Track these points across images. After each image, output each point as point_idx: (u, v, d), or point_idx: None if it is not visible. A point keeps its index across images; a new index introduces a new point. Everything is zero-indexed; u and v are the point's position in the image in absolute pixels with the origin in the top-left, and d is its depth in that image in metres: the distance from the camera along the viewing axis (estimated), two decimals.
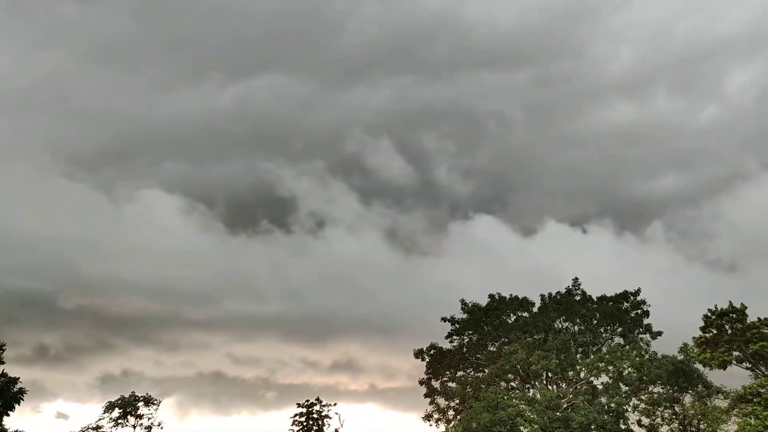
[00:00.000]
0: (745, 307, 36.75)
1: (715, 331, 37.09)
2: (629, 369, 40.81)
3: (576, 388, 42.49)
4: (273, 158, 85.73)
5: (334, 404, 45.83)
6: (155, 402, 41.56)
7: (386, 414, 66.77)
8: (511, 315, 46.28)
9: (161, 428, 41.45)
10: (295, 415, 44.97)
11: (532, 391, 42.77)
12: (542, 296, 45.88)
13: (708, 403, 40.04)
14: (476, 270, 64.44)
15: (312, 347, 72.84)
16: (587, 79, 75.24)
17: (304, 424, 44.97)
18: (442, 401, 45.83)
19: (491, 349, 45.91)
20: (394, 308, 64.37)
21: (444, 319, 47.42)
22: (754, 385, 36.97)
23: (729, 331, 36.79)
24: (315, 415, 44.69)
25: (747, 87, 63.34)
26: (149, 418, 41.15)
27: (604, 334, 43.77)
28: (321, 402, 45.52)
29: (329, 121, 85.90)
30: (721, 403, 39.84)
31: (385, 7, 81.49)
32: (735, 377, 39.14)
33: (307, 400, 45.17)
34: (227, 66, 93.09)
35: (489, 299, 47.13)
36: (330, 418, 45.00)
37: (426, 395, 46.57)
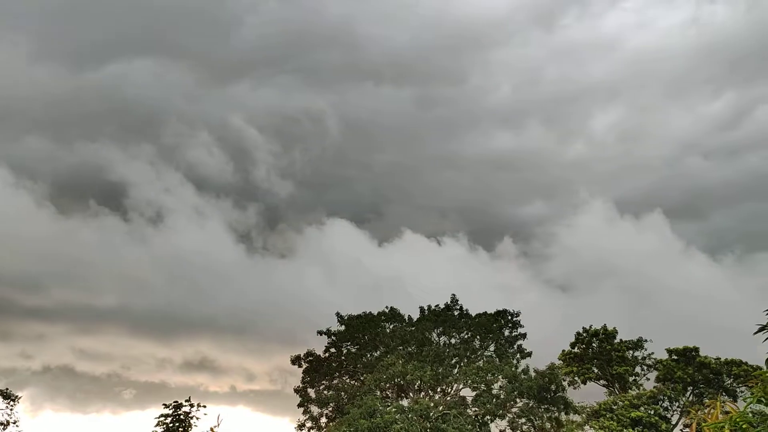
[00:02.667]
0: (616, 331, 40.45)
1: (584, 347, 40.38)
2: (499, 383, 42.96)
3: (448, 399, 43.91)
4: (112, 142, 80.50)
5: (204, 406, 43.62)
6: (14, 397, 36.87)
7: (255, 417, 64.45)
8: (388, 326, 47.21)
9: (17, 425, 36.87)
10: (161, 415, 42.16)
11: (406, 400, 43.60)
12: (421, 308, 47.28)
13: (565, 417, 43.23)
14: (327, 274, 64.85)
15: (162, 344, 68.55)
16: (467, 106, 79.70)
17: (170, 425, 42.22)
18: (315, 409, 45.30)
19: (369, 358, 46.35)
20: (243, 308, 62.65)
21: (320, 332, 47.51)
22: (609, 402, 40.56)
23: (596, 350, 40.23)
24: (182, 416, 42.20)
25: (609, 128, 70.89)
26: (8, 414, 36.41)
27: (478, 350, 45.78)
28: (190, 403, 43.10)
29: (195, 112, 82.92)
30: (578, 418, 43.22)
31: (285, 8, 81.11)
32: (591, 394, 42.65)
33: (176, 401, 42.56)
34: (96, 45, 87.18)
35: (364, 313, 47.91)
36: (198, 419, 42.72)
37: (300, 404, 45.84)
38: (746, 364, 37.42)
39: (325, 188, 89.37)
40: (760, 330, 8.89)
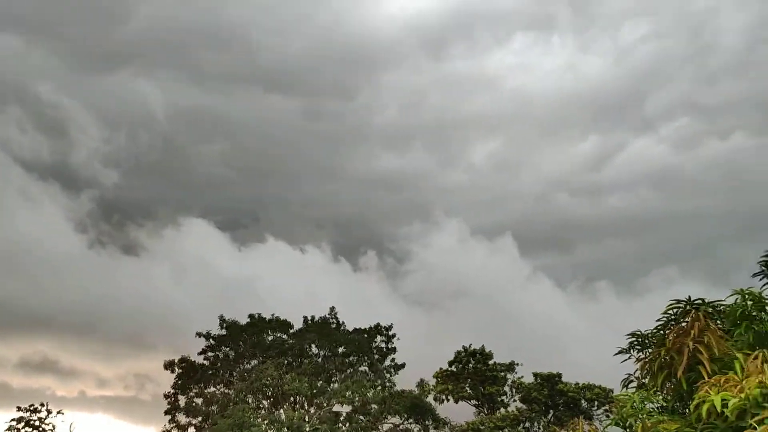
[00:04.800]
0: (491, 353, 41.71)
1: (460, 366, 41.38)
2: (371, 399, 43.17)
3: (321, 414, 43.70)
4: None
5: (61, 412, 41.43)
6: None
7: (115, 425, 61.09)
8: (270, 335, 46.54)
9: None
10: (12, 419, 39.75)
11: (279, 412, 43.04)
12: (305, 318, 46.93)
13: None
14: (177, 274, 63.10)
15: None
16: (354, 122, 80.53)
17: (21, 430, 39.88)
18: (183, 418, 43.88)
19: (246, 367, 45.47)
20: (84, 305, 59.21)
21: (199, 334, 46.29)
22: (476, 422, 41.59)
23: (471, 370, 41.28)
24: (36, 422, 39.91)
25: (487, 158, 73.96)
26: None
27: (354, 364, 45.86)
28: (47, 409, 40.86)
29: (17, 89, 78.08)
30: None
31: (180, 5, 78.87)
32: (464, 414, 43.57)
33: (32, 405, 40.26)
34: None
35: (249, 318, 47.02)
36: (54, 426, 40.55)
37: (167, 412, 44.28)
38: (599, 387, 39.39)
39: (200, 189, 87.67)
40: (619, 353, 9.33)
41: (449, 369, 42.32)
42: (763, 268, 8.59)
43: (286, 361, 44.64)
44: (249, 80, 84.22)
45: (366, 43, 76.59)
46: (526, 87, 67.80)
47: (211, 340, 46.05)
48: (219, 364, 45.37)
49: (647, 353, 8.50)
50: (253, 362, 45.76)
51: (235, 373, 45.40)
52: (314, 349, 46.06)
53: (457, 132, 76.88)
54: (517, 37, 69.14)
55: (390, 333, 46.71)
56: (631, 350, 8.98)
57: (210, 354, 45.78)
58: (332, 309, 47.19)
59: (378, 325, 46.93)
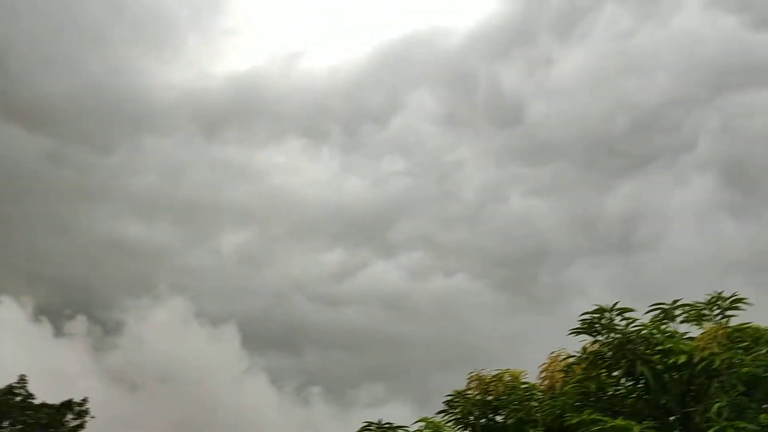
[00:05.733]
0: None
1: None
2: None
3: None
4: None
5: None
6: None
7: None
8: None
9: None
10: None
11: None
12: None
13: None
14: None
15: None
16: (104, 178, 75.12)
17: None
18: None
19: None
20: None
21: None
22: None
23: None
24: None
25: (236, 248, 71.67)
26: None
27: None
28: None
29: None
30: None
31: None
32: None
33: None
34: None
35: None
36: None
37: None
38: None
39: None
40: None
41: None
42: (584, 327, 9.19)
43: None
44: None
45: (137, 101, 72.92)
46: (289, 188, 66.59)
47: None
48: None
49: None
50: None
51: None
52: None
53: (211, 215, 73.75)
54: (290, 139, 68.34)
55: (83, 410, 39.88)
56: None
57: None
58: (22, 377, 39.51)
59: (71, 400, 39.81)
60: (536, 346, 10.60)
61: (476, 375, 10.90)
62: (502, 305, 41.73)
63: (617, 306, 9.13)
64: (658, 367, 8.49)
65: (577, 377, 9.08)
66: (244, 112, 67.19)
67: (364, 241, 60.57)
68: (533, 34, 42.99)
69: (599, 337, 9.21)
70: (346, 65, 52.58)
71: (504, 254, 43.07)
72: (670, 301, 9.19)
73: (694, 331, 8.94)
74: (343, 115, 51.38)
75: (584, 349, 9.50)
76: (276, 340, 63.54)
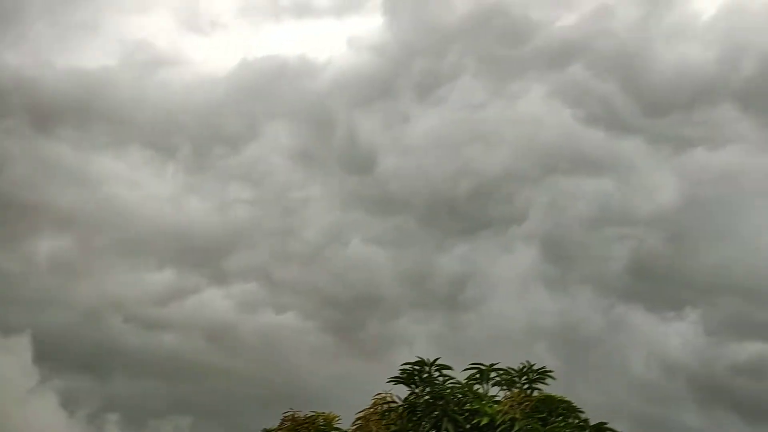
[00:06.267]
0: None
1: None
2: None
3: None
4: None
5: None
6: None
7: None
8: None
9: None
10: None
11: None
12: None
13: None
14: None
15: None
16: None
17: None
18: None
19: None
20: None
21: None
22: None
23: None
24: None
25: (52, 252, 67.69)
26: None
27: None
28: None
29: None
30: None
31: None
32: None
33: None
34: None
35: None
36: None
37: None
38: None
39: None
40: None
41: None
42: (403, 377, 9.59)
43: None
44: None
45: None
46: (123, 199, 63.50)
47: None
48: None
49: None
50: None
51: None
52: None
53: (28, 215, 68.12)
54: (134, 149, 64.96)
55: None
56: None
57: None
58: None
59: None
60: (358, 391, 10.67)
61: (291, 415, 10.75)
62: (329, 347, 41.66)
63: (438, 361, 9.52)
64: (464, 425, 8.89)
65: (391, 428, 9.26)
66: (84, 111, 61.98)
67: (197, 266, 57.57)
68: (396, 90, 44.60)
69: (416, 389, 9.53)
70: (207, 83, 50.69)
71: (337, 297, 43.27)
72: (485, 362, 9.73)
73: (502, 395, 9.52)
74: (195, 134, 49.28)
75: (405, 399, 9.77)
76: (78, 359, 57.50)
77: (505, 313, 38.05)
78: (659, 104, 40.28)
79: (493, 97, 42.02)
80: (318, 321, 42.25)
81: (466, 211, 42.23)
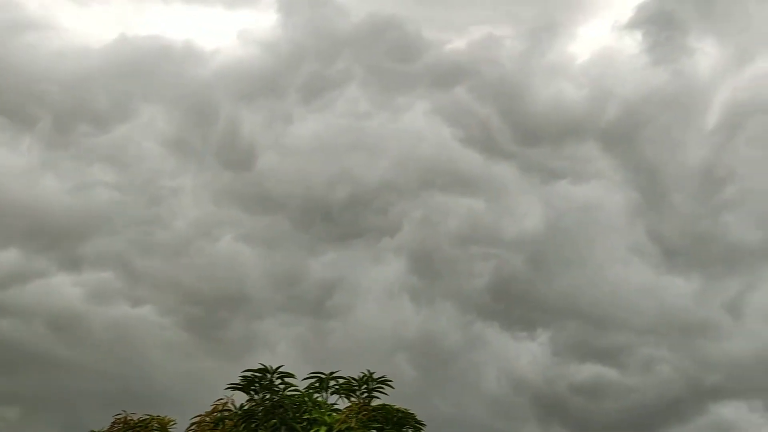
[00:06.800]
0: None
1: None
2: None
3: None
4: None
5: None
6: None
7: None
8: None
9: None
10: None
11: None
12: None
13: None
14: None
15: None
16: None
17: None
18: None
19: None
20: None
21: None
22: None
23: None
24: None
25: None
26: None
27: None
28: None
29: None
30: None
31: None
32: None
33: None
34: None
35: None
36: None
37: None
38: None
39: None
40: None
41: None
42: (243, 383, 9.54)
43: None
44: None
45: None
46: None
47: None
48: None
49: None
50: None
51: None
52: None
53: None
54: None
55: None
56: None
57: None
58: None
59: None
60: (213, 393, 10.30)
61: (123, 418, 10.27)
62: (186, 345, 39.98)
63: (280, 369, 9.40)
64: None
65: None
66: None
67: (46, 249, 52.73)
68: (282, 90, 43.91)
69: (256, 396, 9.34)
70: (79, 54, 47.06)
71: (200, 294, 41.72)
72: (347, 370, 9.77)
73: (343, 403, 9.55)
74: (59, 107, 45.60)
75: (241, 405, 9.54)
76: None
77: (370, 322, 38.46)
78: (533, 135, 42.39)
79: (377, 108, 42.49)
80: (177, 317, 40.53)
81: (341, 218, 42.33)
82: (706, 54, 40.10)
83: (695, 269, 37.66)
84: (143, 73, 44.23)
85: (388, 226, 41.44)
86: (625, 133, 40.94)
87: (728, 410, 32.91)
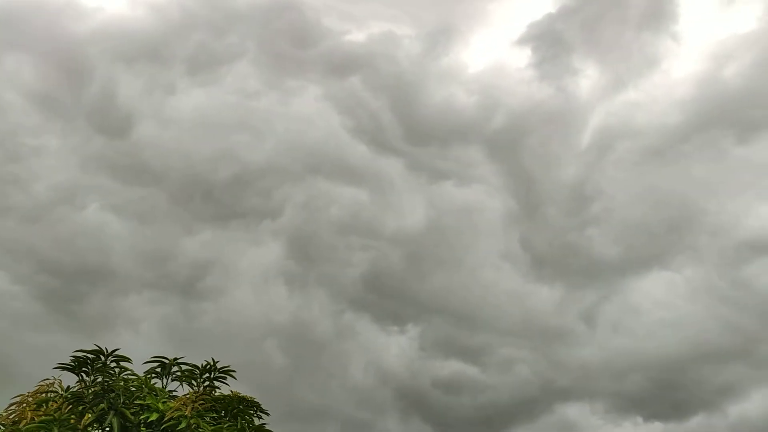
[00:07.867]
0: None
1: None
2: None
3: None
4: None
5: None
6: None
7: None
8: None
9: None
10: None
11: None
12: None
13: None
14: None
15: None
16: None
17: None
18: None
19: None
20: None
21: None
22: None
23: None
24: None
25: None
26: None
27: None
28: None
29: None
30: None
31: None
32: None
33: None
34: None
35: None
36: None
37: None
38: None
39: None
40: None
41: None
42: (74, 364, 8.74)
43: None
44: None
45: None
46: None
47: None
48: None
49: None
50: None
51: None
52: None
53: None
54: None
55: None
56: None
57: None
58: None
59: None
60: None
61: None
62: (38, 317, 37.16)
63: (117, 352, 8.78)
64: (133, 421, 8.26)
65: (45, 417, 8.25)
66: None
67: None
68: (167, 58, 41.72)
69: (86, 378, 8.66)
70: None
71: (59, 263, 38.94)
72: (214, 354, 9.31)
73: (183, 391, 9.05)
74: None
75: (68, 388, 8.81)
76: None
77: (242, 306, 37.53)
78: (422, 134, 43.04)
79: (268, 88, 41.47)
80: (30, 286, 37.59)
81: (222, 197, 41.01)
82: (587, 76, 42.36)
83: (559, 279, 39.74)
84: (12, 20, 40.64)
85: (270, 209, 40.60)
86: (508, 142, 42.48)
87: (572, 411, 35.05)
